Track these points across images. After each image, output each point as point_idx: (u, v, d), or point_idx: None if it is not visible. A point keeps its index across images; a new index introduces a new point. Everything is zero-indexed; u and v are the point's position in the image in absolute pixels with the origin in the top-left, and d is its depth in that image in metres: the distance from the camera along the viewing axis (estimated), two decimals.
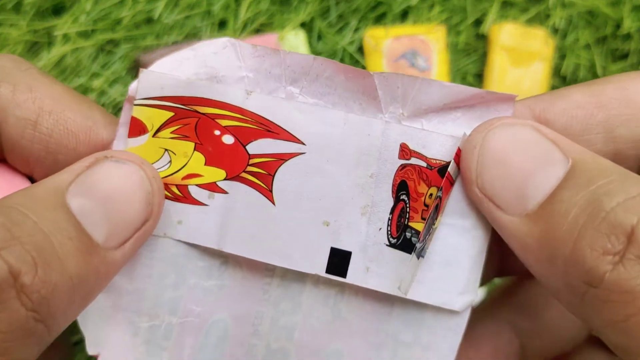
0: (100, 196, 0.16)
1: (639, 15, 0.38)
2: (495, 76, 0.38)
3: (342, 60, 0.39)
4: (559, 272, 0.14)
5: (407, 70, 0.38)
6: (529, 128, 0.16)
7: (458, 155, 0.16)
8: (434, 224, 0.16)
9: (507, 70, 0.38)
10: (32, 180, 0.19)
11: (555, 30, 0.38)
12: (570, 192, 0.15)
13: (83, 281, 0.15)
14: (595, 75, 0.39)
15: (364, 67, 0.39)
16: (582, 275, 0.14)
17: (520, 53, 0.38)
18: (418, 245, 0.16)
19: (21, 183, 0.19)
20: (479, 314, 0.21)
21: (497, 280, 0.29)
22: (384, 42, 0.38)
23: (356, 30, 0.39)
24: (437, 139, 0.16)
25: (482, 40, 0.39)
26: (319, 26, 0.39)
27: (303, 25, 0.39)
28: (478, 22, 0.39)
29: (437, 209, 0.16)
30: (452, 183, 0.16)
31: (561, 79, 0.39)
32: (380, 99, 0.16)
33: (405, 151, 0.16)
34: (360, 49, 0.39)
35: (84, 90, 0.39)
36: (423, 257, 0.16)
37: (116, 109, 0.39)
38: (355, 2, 0.39)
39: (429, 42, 0.38)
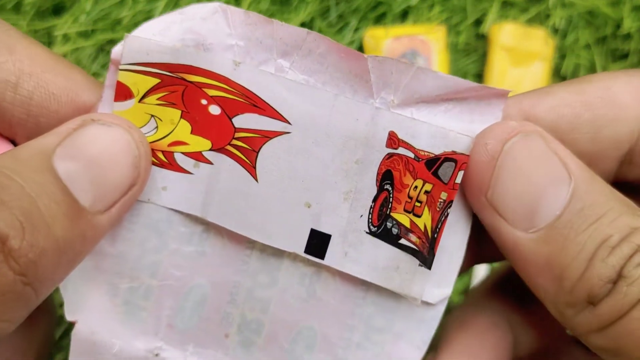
0: (87, 159, 0.16)
1: (639, 15, 0.38)
2: (495, 76, 0.38)
3: None
4: (562, 291, 0.16)
5: None
6: (540, 139, 0.17)
7: (464, 162, 0.16)
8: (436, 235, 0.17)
9: (507, 70, 0.38)
10: (15, 144, 0.19)
11: (555, 30, 0.38)
12: (577, 217, 0.16)
13: (70, 245, 0.15)
14: None
15: None
16: (585, 297, 0.15)
17: (520, 53, 0.38)
18: (428, 257, 0.16)
19: (3, 146, 0.19)
20: (474, 306, 0.21)
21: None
22: (384, 42, 0.38)
23: (356, 30, 0.39)
24: (427, 130, 0.16)
25: (482, 40, 0.39)
26: (319, 26, 0.39)
27: (303, 25, 0.39)
28: (478, 22, 0.39)
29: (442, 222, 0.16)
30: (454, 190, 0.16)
31: (561, 79, 0.39)
32: (372, 83, 0.16)
33: (393, 140, 0.16)
34: (360, 49, 0.39)
35: None
36: (430, 269, 0.17)
37: None
38: (355, 2, 0.39)
39: (429, 42, 0.38)
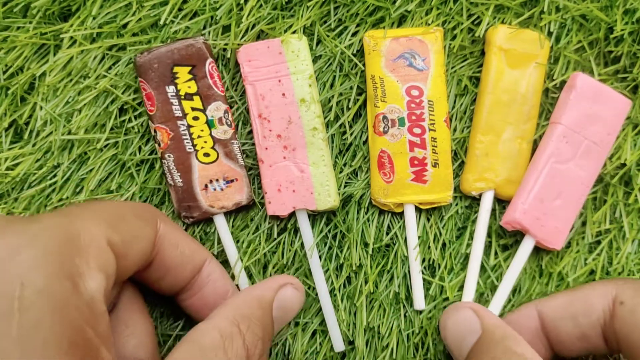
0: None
1: (632, 18, 0.39)
2: (491, 77, 0.39)
3: (341, 63, 0.40)
4: None
5: (405, 70, 0.39)
6: (469, 310, 0.34)
7: None
8: None
9: (503, 72, 0.38)
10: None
11: (549, 34, 0.39)
12: (477, 353, 0.31)
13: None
14: None
15: (362, 68, 0.40)
16: None
17: (517, 54, 0.38)
18: None
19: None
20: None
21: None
22: (382, 42, 0.39)
23: (355, 34, 0.40)
24: None
25: (478, 44, 0.40)
26: (319, 30, 0.40)
27: (304, 29, 0.40)
28: (474, 26, 0.40)
29: None
30: None
31: (553, 81, 0.39)
32: None
33: None
34: (360, 51, 0.40)
35: (91, 93, 0.40)
36: None
37: (122, 112, 0.40)
38: (354, 6, 0.39)
39: (427, 42, 0.39)
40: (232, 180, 0.39)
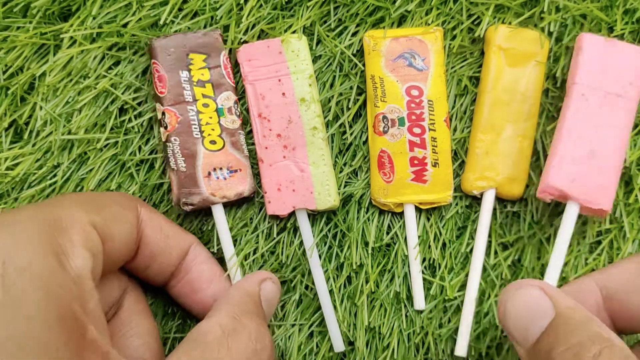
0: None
1: (632, 18, 0.39)
2: (491, 76, 0.39)
3: (341, 62, 0.40)
4: None
5: (405, 70, 0.39)
6: (536, 288, 0.29)
7: None
8: None
9: (503, 70, 0.39)
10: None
11: (549, 34, 0.39)
12: (552, 339, 0.26)
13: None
14: None
15: (362, 68, 0.40)
16: None
17: (517, 53, 0.38)
18: None
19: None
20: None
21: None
22: (382, 42, 0.39)
23: (355, 34, 0.40)
24: None
25: (478, 44, 0.40)
26: (319, 30, 0.40)
27: (304, 29, 0.40)
28: (474, 25, 0.40)
29: None
30: None
31: (554, 81, 0.40)
32: None
33: None
34: (360, 51, 0.40)
35: (91, 93, 0.40)
36: None
37: (122, 112, 0.40)
38: (354, 7, 0.39)
39: (427, 42, 0.39)
40: (236, 170, 0.39)
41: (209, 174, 0.38)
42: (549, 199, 0.36)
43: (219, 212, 0.39)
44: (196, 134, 0.38)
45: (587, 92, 0.36)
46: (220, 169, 0.38)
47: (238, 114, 0.39)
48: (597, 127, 0.36)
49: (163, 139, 0.38)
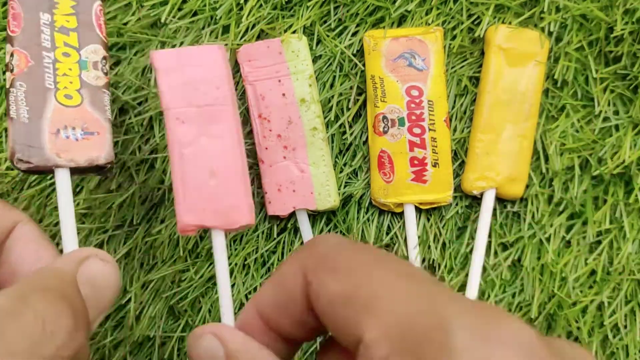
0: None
1: (632, 18, 0.39)
2: (491, 76, 0.39)
3: (341, 63, 0.40)
4: None
5: (405, 70, 0.39)
6: (209, 335, 0.28)
7: None
8: None
9: (503, 70, 0.39)
10: None
11: (549, 34, 0.39)
12: None
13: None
14: (587, 78, 0.39)
15: (362, 68, 0.40)
16: None
17: (516, 53, 0.38)
18: None
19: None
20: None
21: None
22: (382, 42, 0.39)
23: (355, 34, 0.40)
24: None
25: (478, 44, 0.40)
26: (319, 30, 0.40)
27: (304, 29, 0.40)
28: (474, 25, 0.40)
29: None
30: None
31: (554, 81, 0.40)
32: None
33: None
34: (360, 51, 0.40)
35: None
36: None
37: (122, 112, 0.40)
38: (354, 6, 0.39)
39: (427, 42, 0.39)
40: (92, 133, 0.33)
41: (58, 131, 0.32)
42: (193, 234, 0.35)
43: (62, 178, 0.32)
44: (49, 84, 0.33)
45: (181, 114, 0.31)
46: (73, 128, 0.33)
47: (106, 72, 0.34)
48: (206, 146, 0.31)
49: (7, 85, 0.32)
